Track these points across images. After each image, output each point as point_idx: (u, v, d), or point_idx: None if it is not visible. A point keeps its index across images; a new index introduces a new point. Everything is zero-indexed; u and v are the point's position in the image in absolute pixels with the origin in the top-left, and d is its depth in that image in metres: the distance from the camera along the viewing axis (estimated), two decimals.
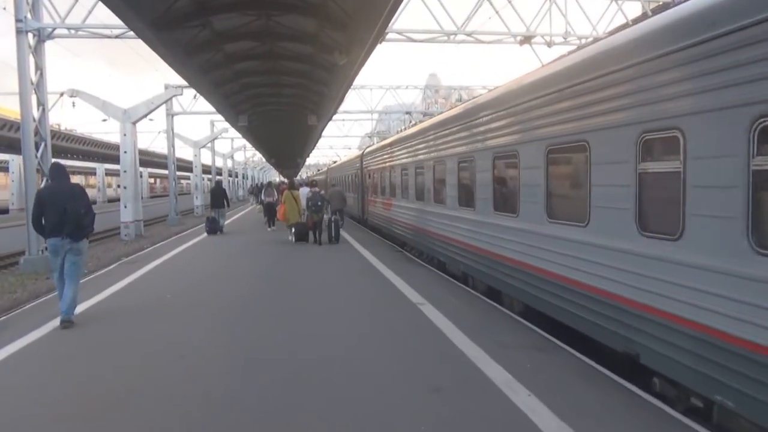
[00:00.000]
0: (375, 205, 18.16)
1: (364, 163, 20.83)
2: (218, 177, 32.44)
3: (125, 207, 22.94)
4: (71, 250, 7.17)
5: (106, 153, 49.50)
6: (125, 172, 22.84)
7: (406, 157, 12.97)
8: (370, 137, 51.24)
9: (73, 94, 23.97)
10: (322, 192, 17.75)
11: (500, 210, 8.07)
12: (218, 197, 20.58)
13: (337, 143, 61.41)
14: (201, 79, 19.53)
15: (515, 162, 7.41)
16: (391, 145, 15.64)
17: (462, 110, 9.92)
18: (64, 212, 6.97)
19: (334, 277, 10.80)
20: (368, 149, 21.33)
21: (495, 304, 7.99)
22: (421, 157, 11.66)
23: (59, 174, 7.53)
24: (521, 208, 7.25)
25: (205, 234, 19.46)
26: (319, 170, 67.85)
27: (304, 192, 17.11)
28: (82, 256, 7.44)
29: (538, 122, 6.70)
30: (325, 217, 15.81)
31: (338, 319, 7.32)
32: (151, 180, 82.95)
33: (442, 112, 13.60)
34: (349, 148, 70.43)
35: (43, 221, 7.20)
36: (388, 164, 15.40)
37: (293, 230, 16.36)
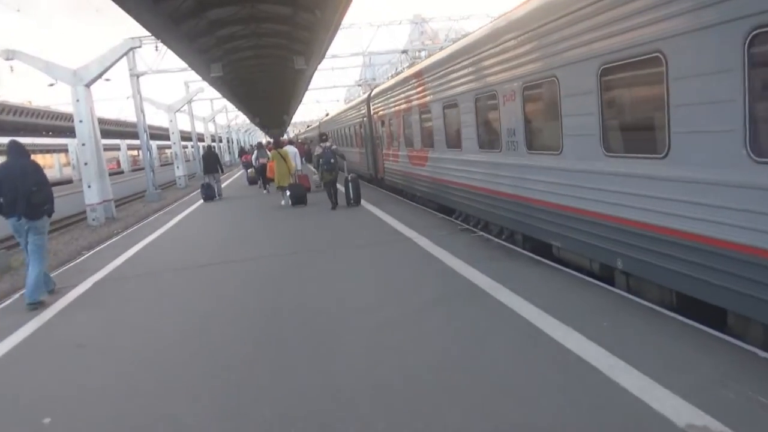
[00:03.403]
0: (396, 161, 14.38)
1: (373, 108, 16.88)
2: (209, 143, 29.97)
3: (89, 187, 19.23)
4: (30, 229, 7.09)
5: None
6: (83, 145, 18.99)
7: (467, 84, 8.45)
8: (360, 85, 46.96)
9: (9, 56, 19.75)
10: (334, 147, 14.15)
11: None
12: (211, 162, 19.71)
13: (323, 96, 57.02)
14: (169, 28, 15.88)
15: None
16: (422, 74, 11.10)
17: None
18: (15, 190, 6.88)
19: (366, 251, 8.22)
20: (378, 89, 17.14)
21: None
22: (500, 77, 7.21)
23: (15, 152, 7.27)
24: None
25: (202, 201, 18.64)
26: (308, 127, 63.26)
27: (291, 151, 15.78)
28: (43, 235, 7.32)
29: None
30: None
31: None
32: (135, 152, 78.31)
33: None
34: (337, 101, 66.14)
35: (1, 200, 6.98)
36: (419, 102, 11.37)
37: (287, 193, 14.57)
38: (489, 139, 8.01)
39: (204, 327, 5.48)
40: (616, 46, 4.77)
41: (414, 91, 11.69)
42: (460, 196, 9.39)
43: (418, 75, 11.33)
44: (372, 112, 17.22)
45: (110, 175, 52.53)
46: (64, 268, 9.81)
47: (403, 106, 12.87)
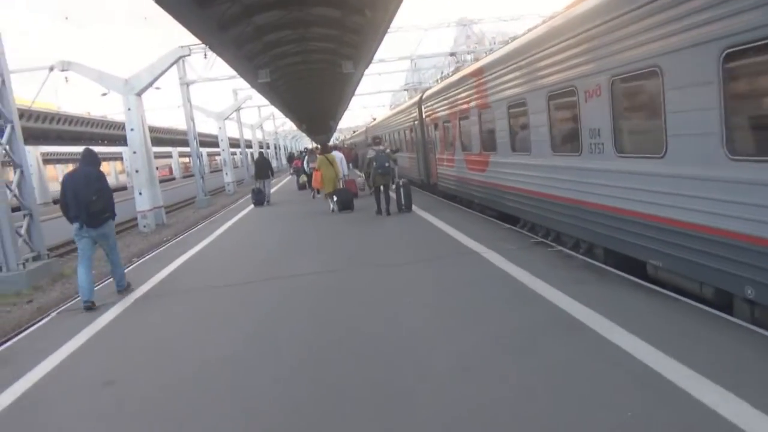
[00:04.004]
0: (451, 166, 13.58)
1: (425, 110, 16.13)
2: (260, 150, 31.52)
3: (140, 194, 19.36)
4: (97, 236, 7.37)
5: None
6: (135, 153, 19.10)
7: (538, 80, 7.52)
8: (406, 90, 46.34)
9: (65, 67, 20.14)
10: (388, 150, 13.57)
11: None
12: (263, 168, 19.78)
13: (369, 101, 56.71)
14: (216, 33, 15.76)
15: None
16: (482, 72, 10.17)
17: None
18: (76, 198, 7.04)
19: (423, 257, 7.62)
20: (431, 91, 16.34)
21: None
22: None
23: (84, 160, 7.48)
24: None
25: (250, 207, 18.49)
26: (354, 132, 62.95)
27: (338, 156, 15.75)
28: (109, 239, 7.62)
29: None
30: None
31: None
32: (186, 159, 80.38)
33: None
34: (382, 106, 65.68)
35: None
36: (478, 102, 10.51)
37: (334, 198, 14.37)
38: (566, 141, 7.12)
39: (246, 353, 4.81)
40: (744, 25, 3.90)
41: (473, 91, 10.88)
42: (528, 205, 8.52)
43: (477, 73, 10.50)
44: (424, 114, 16.48)
45: (163, 181, 53.93)
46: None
47: (459, 108, 12.07)
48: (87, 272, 7.21)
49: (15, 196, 11.94)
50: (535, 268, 6.22)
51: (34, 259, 12.14)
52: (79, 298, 7.55)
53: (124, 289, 7.81)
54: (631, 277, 5.62)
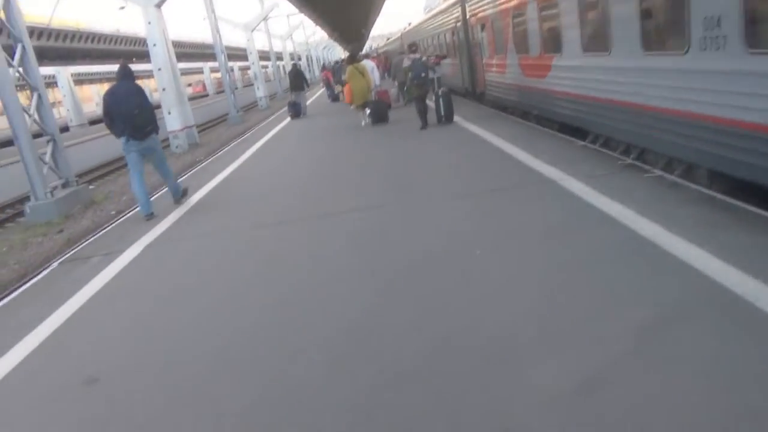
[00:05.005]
0: (502, 72, 12.06)
1: (470, 9, 14.27)
2: (294, 61, 29.44)
3: (169, 113, 18.50)
4: (144, 150, 7.47)
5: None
6: (159, 70, 18.04)
7: None
8: None
9: None
10: (425, 58, 12.20)
11: None
12: (297, 79, 19.79)
13: (402, 8, 52.96)
14: None
15: None
16: None
17: None
18: (120, 113, 7.14)
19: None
20: None
21: None
22: None
23: (121, 75, 7.54)
24: None
25: (283, 124, 18.14)
26: (388, 40, 59.68)
27: (369, 65, 14.70)
28: (156, 152, 7.72)
29: None
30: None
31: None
32: (219, 74, 78.70)
33: None
34: (416, 12, 61.47)
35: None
36: None
37: (367, 111, 13.56)
38: (665, 36, 5.71)
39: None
40: None
41: None
42: (605, 116, 7.21)
43: None
44: (468, 14, 14.66)
45: (197, 98, 53.14)
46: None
47: (513, 3, 10.42)
48: (141, 185, 7.55)
49: (35, 121, 11.23)
50: (639, 204, 4.66)
51: (63, 186, 11.64)
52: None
53: (181, 196, 8.15)
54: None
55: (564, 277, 3.66)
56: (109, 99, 7.38)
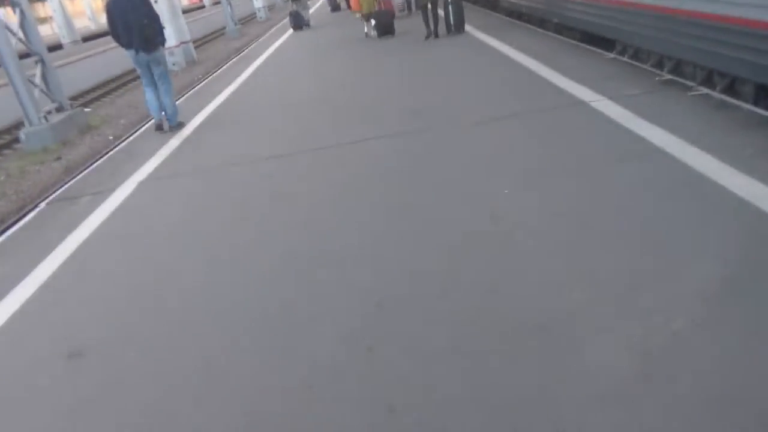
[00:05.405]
0: None
1: None
2: None
3: (163, 29, 17.44)
4: (151, 62, 7.24)
5: None
6: None
7: None
8: None
9: None
10: None
11: None
12: None
13: None
14: None
15: None
16: None
17: None
18: (128, 24, 6.89)
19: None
20: None
21: None
22: None
23: None
24: None
25: (286, 35, 17.37)
26: None
27: None
28: (160, 65, 7.46)
29: None
30: None
31: None
32: None
33: None
34: None
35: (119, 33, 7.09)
36: None
37: (372, 22, 12.77)
38: None
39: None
40: None
41: None
42: (636, 23, 6.50)
43: None
44: None
45: (192, 11, 50.65)
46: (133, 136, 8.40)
47: None
48: (153, 96, 7.56)
49: (20, 40, 10.52)
50: (685, 130, 4.05)
51: (57, 110, 11.13)
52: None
53: (176, 126, 7.73)
54: None
55: (606, 227, 3.14)
56: (113, 10, 7.08)
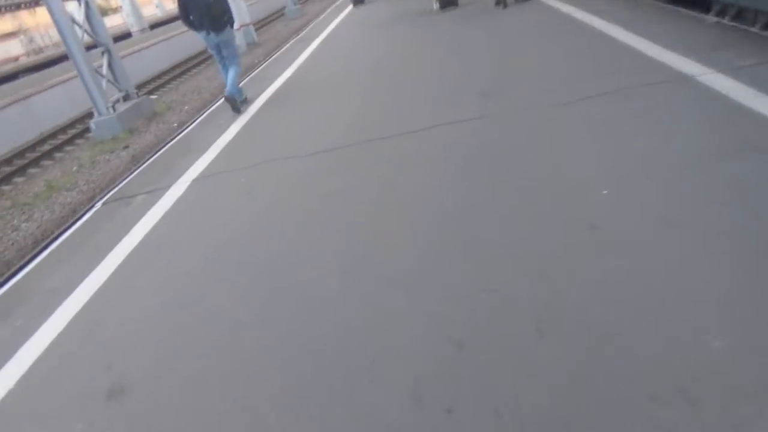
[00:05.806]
0: None
1: None
2: None
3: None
4: (220, 43, 7.43)
5: None
6: None
7: None
8: None
9: None
10: None
11: None
12: None
13: None
14: None
15: None
16: None
17: None
18: (196, 6, 7.11)
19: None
20: None
21: None
22: None
23: None
24: None
25: (346, 12, 17.05)
26: None
27: None
28: (231, 46, 7.59)
29: None
30: None
31: None
32: None
33: None
34: None
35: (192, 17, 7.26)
36: None
37: None
38: None
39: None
40: None
41: None
42: None
43: None
44: None
45: None
46: (199, 118, 8.26)
47: None
48: (227, 74, 7.64)
49: (86, 32, 10.68)
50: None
51: (124, 99, 11.31)
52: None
53: (240, 103, 7.76)
54: None
55: (734, 242, 2.44)
56: None
